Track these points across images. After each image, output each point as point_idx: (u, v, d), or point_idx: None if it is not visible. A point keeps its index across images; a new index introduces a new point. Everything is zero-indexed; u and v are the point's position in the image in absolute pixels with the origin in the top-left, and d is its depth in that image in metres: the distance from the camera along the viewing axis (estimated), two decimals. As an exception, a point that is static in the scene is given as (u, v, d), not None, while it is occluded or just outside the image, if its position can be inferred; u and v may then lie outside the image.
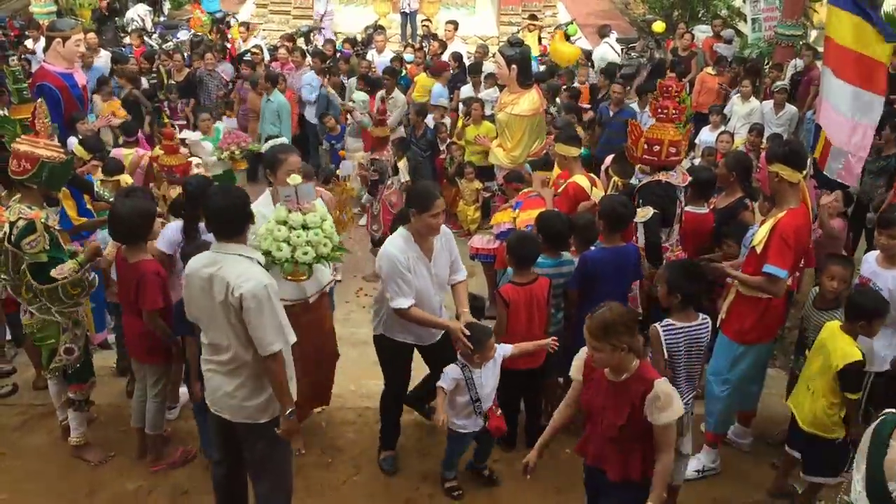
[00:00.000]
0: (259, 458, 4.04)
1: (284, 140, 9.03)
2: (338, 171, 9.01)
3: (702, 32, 14.73)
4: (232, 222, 3.79)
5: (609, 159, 7.14)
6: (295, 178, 4.24)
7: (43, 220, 4.57)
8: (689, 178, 5.75)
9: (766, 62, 13.03)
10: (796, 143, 5.10)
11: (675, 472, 4.15)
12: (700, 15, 17.23)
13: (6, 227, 4.65)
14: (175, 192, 6.07)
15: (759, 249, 4.68)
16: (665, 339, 4.27)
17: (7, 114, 5.66)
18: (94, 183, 6.20)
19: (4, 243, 4.65)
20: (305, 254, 4.24)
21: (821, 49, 7.50)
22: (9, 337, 6.12)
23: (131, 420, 5.04)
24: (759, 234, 4.74)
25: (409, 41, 14.58)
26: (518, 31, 14.75)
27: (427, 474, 5.06)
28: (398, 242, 4.55)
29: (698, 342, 4.34)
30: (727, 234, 5.71)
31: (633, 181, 6.15)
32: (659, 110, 5.71)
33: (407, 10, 15.64)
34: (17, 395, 5.70)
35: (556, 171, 6.81)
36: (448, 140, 9.92)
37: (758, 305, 4.80)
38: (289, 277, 4.33)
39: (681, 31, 13.83)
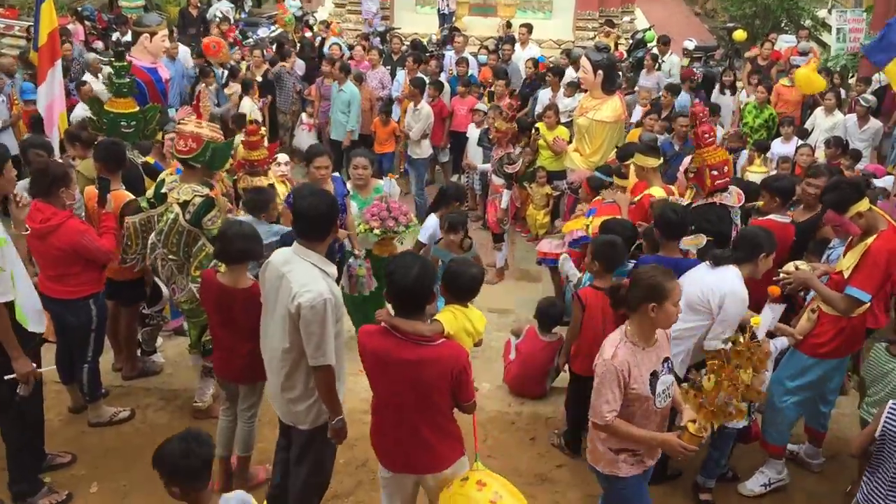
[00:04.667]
0: (300, 452, 4.12)
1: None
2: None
3: (785, 42, 14.41)
4: (316, 225, 3.82)
5: (687, 160, 7.03)
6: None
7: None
8: (743, 199, 5.78)
9: (850, 75, 12.67)
10: (839, 181, 4.92)
11: None
12: (783, 24, 16.87)
13: (176, 208, 4.80)
14: (264, 184, 6.22)
15: (846, 275, 4.56)
16: None
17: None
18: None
19: (178, 223, 4.81)
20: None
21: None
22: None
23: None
24: (847, 261, 4.61)
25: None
26: (595, 37, 14.69)
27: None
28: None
29: None
30: (808, 249, 5.56)
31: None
32: (705, 135, 5.81)
33: (445, 12, 15.65)
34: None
35: (633, 181, 6.74)
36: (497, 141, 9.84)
37: (838, 322, 4.67)
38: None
39: (764, 40, 13.55)
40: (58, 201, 4.70)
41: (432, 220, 6.35)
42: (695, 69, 12.19)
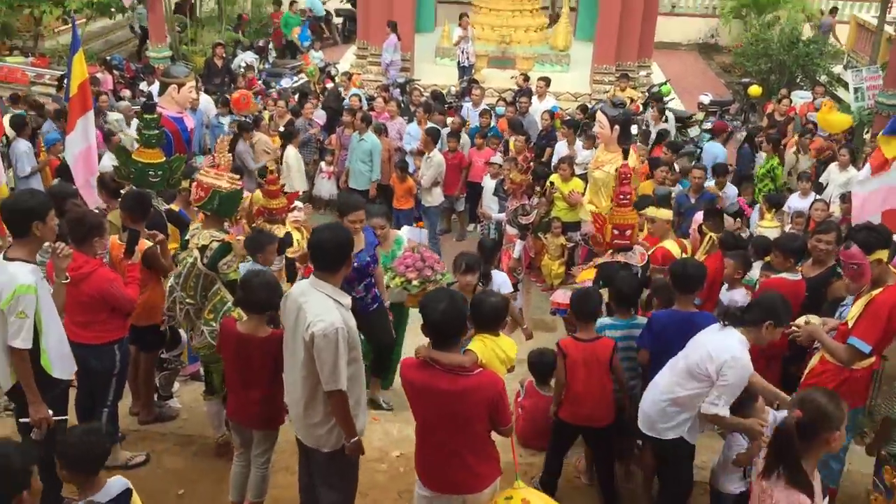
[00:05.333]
0: (323, 474, 4.29)
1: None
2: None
3: (801, 98, 14.53)
4: (330, 258, 4.04)
5: (699, 216, 7.13)
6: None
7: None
8: (646, 258, 6.06)
9: (865, 131, 12.76)
10: (873, 225, 5.02)
11: None
12: (798, 80, 17.03)
13: (195, 253, 5.00)
14: (280, 232, 6.35)
15: (850, 325, 4.61)
16: None
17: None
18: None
19: (196, 267, 4.99)
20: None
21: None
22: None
23: (230, 495, 4.95)
24: (853, 311, 4.67)
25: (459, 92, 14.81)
26: (611, 90, 14.89)
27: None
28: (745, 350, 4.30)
29: None
30: (822, 310, 5.57)
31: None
32: (621, 196, 5.97)
33: (465, 64, 15.98)
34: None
35: (645, 234, 6.82)
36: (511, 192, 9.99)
37: (840, 373, 4.70)
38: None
39: (780, 95, 13.69)
40: (91, 250, 4.86)
41: None
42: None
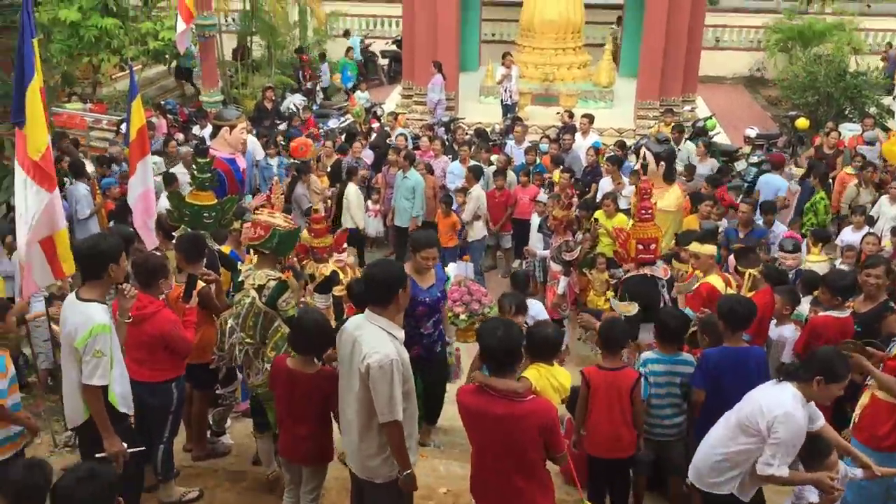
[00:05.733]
0: None
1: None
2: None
3: (849, 131, 14.36)
4: (383, 293, 4.17)
5: (731, 258, 7.12)
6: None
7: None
8: (669, 272, 6.19)
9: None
10: None
11: None
12: (846, 112, 16.83)
13: (252, 293, 5.12)
14: (326, 269, 6.48)
15: None
16: None
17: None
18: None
19: (255, 306, 5.11)
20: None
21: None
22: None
23: None
24: None
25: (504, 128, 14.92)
26: (654, 125, 14.90)
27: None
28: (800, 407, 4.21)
29: None
30: (871, 345, 5.50)
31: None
32: (642, 211, 6.12)
33: (508, 102, 16.12)
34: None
35: (689, 268, 6.81)
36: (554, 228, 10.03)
37: (894, 411, 4.61)
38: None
39: (828, 128, 13.54)
40: (154, 291, 5.07)
41: None
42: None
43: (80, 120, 13.99)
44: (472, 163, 11.39)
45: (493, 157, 12.13)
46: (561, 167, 10.91)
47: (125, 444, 4.55)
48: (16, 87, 5.69)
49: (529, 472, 4.01)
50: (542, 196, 10.45)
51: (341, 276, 6.85)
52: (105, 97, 17.18)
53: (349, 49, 20.66)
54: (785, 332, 6.18)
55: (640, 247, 6.11)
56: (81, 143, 13.05)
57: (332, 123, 15.85)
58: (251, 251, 5.60)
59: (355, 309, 5.57)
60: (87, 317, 4.38)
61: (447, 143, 13.20)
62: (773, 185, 11.06)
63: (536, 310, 6.40)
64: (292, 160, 12.34)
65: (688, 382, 5.19)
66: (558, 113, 14.97)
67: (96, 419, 4.47)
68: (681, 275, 7.10)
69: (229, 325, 5.26)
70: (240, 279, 5.30)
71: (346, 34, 22.00)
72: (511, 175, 11.46)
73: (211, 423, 6.12)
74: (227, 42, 18.56)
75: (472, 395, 4.02)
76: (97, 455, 4.45)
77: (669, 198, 8.11)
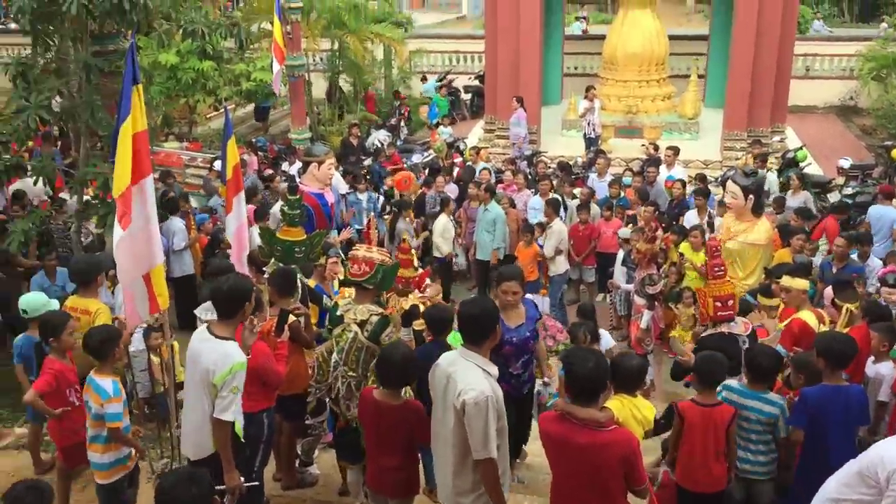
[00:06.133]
0: None
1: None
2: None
3: (949, 160, 13.79)
4: (477, 330, 4.23)
5: (828, 292, 6.90)
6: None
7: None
8: (750, 327, 5.97)
9: None
10: None
11: None
12: (947, 139, 16.18)
13: (354, 328, 5.24)
14: (407, 303, 6.58)
15: None
16: None
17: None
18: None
19: (358, 340, 5.25)
20: None
21: None
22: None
23: None
24: None
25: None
26: (742, 157, 14.61)
27: None
28: None
29: None
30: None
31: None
32: (714, 269, 6.03)
33: (591, 135, 16.03)
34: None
35: (781, 304, 6.65)
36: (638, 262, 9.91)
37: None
38: None
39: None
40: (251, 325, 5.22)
41: None
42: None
43: (176, 158, 14.59)
44: (551, 196, 11.39)
45: (576, 191, 12.12)
46: (643, 202, 10.81)
47: (242, 479, 4.71)
48: (115, 129, 6.01)
49: (610, 502, 4.00)
50: (624, 231, 10.36)
51: (422, 309, 6.95)
52: (200, 136, 17.91)
53: (441, 86, 21.02)
54: (882, 370, 5.94)
55: (718, 304, 6.02)
56: (178, 180, 13.61)
57: (416, 158, 16.10)
58: (349, 286, 5.71)
59: (434, 337, 5.63)
60: (227, 354, 4.58)
61: (530, 176, 13.25)
62: (889, 217, 10.39)
63: (606, 340, 6.39)
64: (380, 195, 12.57)
65: (774, 422, 5.08)
66: (643, 146, 14.84)
67: (222, 453, 4.63)
68: (769, 312, 6.93)
69: (333, 360, 5.34)
70: (338, 313, 5.39)
71: (424, 79, 22.34)
72: (594, 208, 11.42)
73: (299, 453, 6.25)
74: (314, 81, 19.16)
75: (555, 423, 4.03)
76: (216, 488, 4.60)
77: (758, 231, 7.94)
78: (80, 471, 6.04)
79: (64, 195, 10.83)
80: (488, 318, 4.26)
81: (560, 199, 11.43)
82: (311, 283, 6.82)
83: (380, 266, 5.27)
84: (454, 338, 5.63)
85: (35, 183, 9.88)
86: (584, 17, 30.12)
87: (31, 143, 11.96)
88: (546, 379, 6.12)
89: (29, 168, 9.23)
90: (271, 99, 18.44)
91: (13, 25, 21.30)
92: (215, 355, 4.59)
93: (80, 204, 8.89)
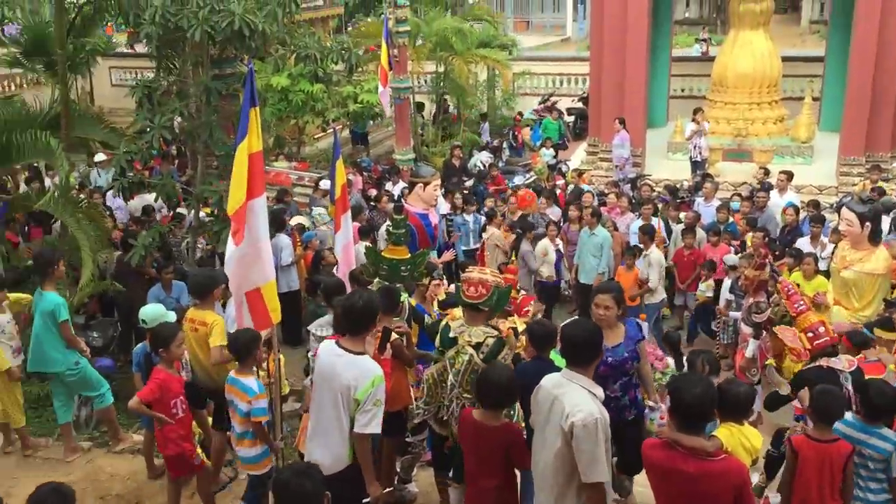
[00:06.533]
0: None
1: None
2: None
3: None
4: (580, 352, 4.23)
5: None
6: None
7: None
8: (855, 364, 5.60)
9: None
10: None
11: None
12: None
13: (469, 350, 5.21)
14: (504, 326, 6.58)
15: None
16: None
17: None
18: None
19: (473, 363, 5.24)
20: None
21: None
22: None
23: None
24: None
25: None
26: (859, 183, 14.01)
27: None
28: None
29: None
30: None
31: None
32: (795, 306, 6.00)
33: (697, 159, 15.66)
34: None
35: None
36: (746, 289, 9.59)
37: None
38: None
39: None
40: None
41: None
42: None
43: (285, 177, 15.09)
44: (645, 222, 11.18)
45: (681, 215, 11.87)
46: (753, 228, 10.50)
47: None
48: (233, 149, 6.28)
49: None
50: (732, 257, 10.07)
51: (520, 330, 6.94)
52: (307, 156, 18.46)
53: (552, 109, 20.99)
54: None
55: (810, 334, 5.80)
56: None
57: (518, 180, 16.14)
58: (449, 307, 5.76)
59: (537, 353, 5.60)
60: (367, 369, 4.70)
61: (634, 200, 13.07)
62: None
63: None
64: (482, 216, 12.61)
65: (888, 459, 4.85)
66: (760, 170, 14.38)
67: (364, 465, 4.74)
68: (889, 346, 6.59)
69: (449, 382, 5.28)
70: (451, 335, 5.34)
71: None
72: (700, 233, 11.16)
73: (398, 470, 6.32)
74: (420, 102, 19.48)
75: (660, 451, 3.93)
76: (363, 501, 4.72)
77: (876, 260, 7.59)
78: (187, 479, 6.30)
79: (181, 211, 11.36)
80: (592, 340, 4.25)
81: (664, 222, 11.22)
82: (413, 302, 6.91)
83: (496, 288, 5.24)
84: (554, 357, 5.62)
85: (155, 199, 10.44)
86: (706, 40, 29.55)
87: (150, 162, 12.57)
88: (651, 403, 5.87)
89: (150, 185, 9.72)
90: (373, 120, 18.82)
91: (138, 49, 22.61)
92: (356, 370, 4.68)
93: (196, 220, 9.32)
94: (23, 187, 13.68)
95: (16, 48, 18.37)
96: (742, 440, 4.28)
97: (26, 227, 12.33)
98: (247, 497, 5.84)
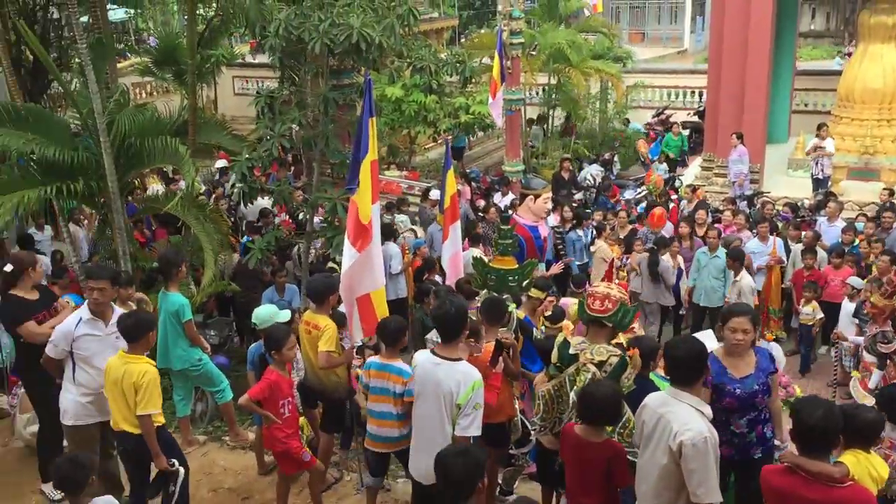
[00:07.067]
0: None
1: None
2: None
3: None
4: (684, 371, 4.19)
5: None
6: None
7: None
8: None
9: None
10: None
11: None
12: None
13: (591, 368, 5.07)
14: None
15: None
16: None
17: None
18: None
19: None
20: None
21: None
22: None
23: None
24: None
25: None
26: None
27: None
28: None
29: None
30: None
31: None
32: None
33: (819, 177, 14.99)
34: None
35: None
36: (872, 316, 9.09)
37: None
38: None
39: None
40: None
41: None
42: None
43: (396, 186, 15.39)
44: (767, 239, 10.79)
45: (802, 234, 11.40)
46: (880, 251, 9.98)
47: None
48: (353, 159, 6.45)
49: None
50: (857, 280, 9.60)
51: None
52: (417, 165, 18.71)
53: (674, 124, 20.52)
54: None
55: None
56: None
57: (629, 194, 15.88)
58: (558, 321, 5.72)
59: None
60: (467, 374, 4.89)
61: (751, 217, 12.63)
62: None
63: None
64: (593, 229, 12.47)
65: None
66: (884, 190, 13.66)
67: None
68: None
69: (571, 399, 5.16)
70: (571, 352, 5.27)
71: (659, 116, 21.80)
72: (821, 253, 10.69)
73: (500, 481, 6.31)
74: (530, 114, 19.44)
75: (782, 476, 3.81)
76: None
77: None
78: (296, 476, 6.48)
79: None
80: (697, 360, 4.18)
81: (783, 241, 10.80)
82: (521, 314, 6.89)
83: (622, 305, 5.15)
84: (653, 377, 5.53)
85: (273, 205, 10.81)
86: (850, 54, 28.30)
87: (269, 168, 13.06)
88: (778, 442, 5.24)
89: (268, 190, 10.08)
90: (484, 132, 18.89)
91: (259, 59, 23.53)
92: (457, 376, 4.85)
93: (311, 226, 9.60)
94: (152, 189, 14.39)
95: (148, 58, 19.40)
96: (869, 468, 4.06)
97: (152, 228, 12.98)
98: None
